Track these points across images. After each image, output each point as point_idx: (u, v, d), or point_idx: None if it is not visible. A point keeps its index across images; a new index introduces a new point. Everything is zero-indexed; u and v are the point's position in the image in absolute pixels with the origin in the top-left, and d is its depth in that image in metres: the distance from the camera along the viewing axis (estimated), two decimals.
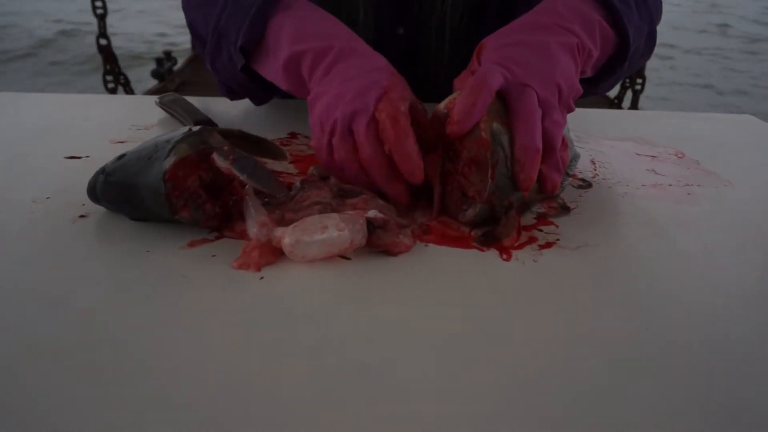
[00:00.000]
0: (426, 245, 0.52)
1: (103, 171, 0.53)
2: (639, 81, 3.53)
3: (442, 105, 0.55)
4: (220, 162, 0.52)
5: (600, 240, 0.54)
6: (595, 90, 0.70)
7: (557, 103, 0.54)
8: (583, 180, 0.67)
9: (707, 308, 0.46)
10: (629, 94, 3.56)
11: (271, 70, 0.64)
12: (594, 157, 0.74)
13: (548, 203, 0.61)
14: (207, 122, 0.76)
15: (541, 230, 0.56)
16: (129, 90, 3.94)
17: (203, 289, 0.45)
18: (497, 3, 0.89)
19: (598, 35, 0.60)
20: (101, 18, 3.57)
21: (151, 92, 4.35)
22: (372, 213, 0.52)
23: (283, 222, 0.51)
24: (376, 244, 0.50)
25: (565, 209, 0.60)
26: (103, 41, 3.66)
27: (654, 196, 0.64)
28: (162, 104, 0.82)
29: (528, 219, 0.58)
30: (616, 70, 0.66)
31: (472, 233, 0.54)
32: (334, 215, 0.50)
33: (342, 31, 0.62)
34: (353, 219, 0.49)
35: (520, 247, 0.53)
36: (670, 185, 0.67)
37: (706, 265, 0.52)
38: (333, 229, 0.48)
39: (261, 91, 0.74)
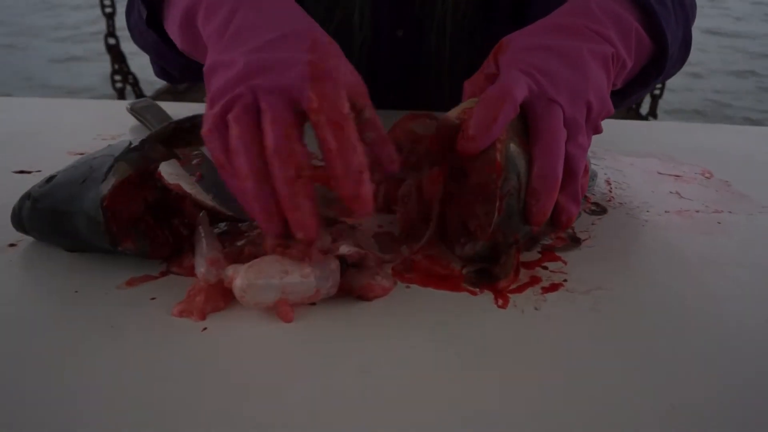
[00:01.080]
0: (407, 286, 0.44)
1: (29, 196, 0.45)
2: (658, 86, 3.41)
3: (453, 114, 0.47)
4: (168, 176, 0.44)
5: (615, 282, 0.46)
6: (621, 103, 0.61)
7: (585, 123, 0.46)
8: (596, 205, 0.58)
9: (746, 370, 0.38)
10: (647, 98, 3.44)
11: (171, 26, 0.52)
12: (610, 177, 0.66)
13: (556, 233, 0.52)
14: None
15: (546, 267, 0.47)
16: (138, 90, 3.89)
17: (132, 343, 0.37)
18: (506, 5, 0.81)
19: (634, 42, 0.51)
20: (110, 17, 3.53)
21: (160, 92, 4.30)
22: (346, 248, 0.44)
23: (242, 258, 0.44)
24: (348, 287, 0.42)
25: (574, 241, 0.51)
26: (111, 40, 3.62)
27: (678, 226, 0.56)
28: (133, 111, 0.74)
29: (532, 252, 0.50)
30: (650, 82, 0.57)
31: (464, 272, 0.46)
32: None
33: None
34: (323, 262, 0.41)
35: (520, 289, 0.45)
36: (698, 212, 0.59)
37: (741, 314, 0.43)
38: (296, 274, 0.40)
39: (179, 58, 0.58)
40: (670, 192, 0.63)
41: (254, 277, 0.40)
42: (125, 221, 0.43)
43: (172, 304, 0.40)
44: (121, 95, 3.68)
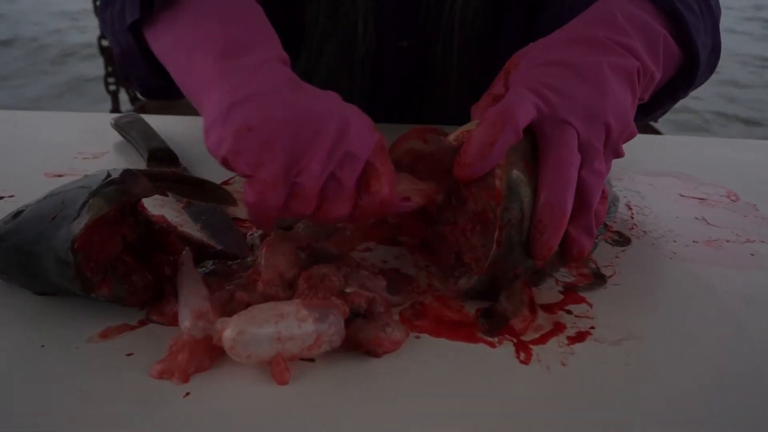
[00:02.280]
0: (418, 336, 0.39)
1: None
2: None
3: (452, 137, 0.43)
4: (151, 205, 0.39)
5: (647, 328, 0.41)
6: (645, 118, 0.56)
7: (602, 147, 0.41)
8: (619, 234, 0.54)
9: None
10: None
11: (166, 36, 0.45)
12: (630, 200, 0.61)
13: (578, 268, 0.48)
14: (164, 151, 0.63)
15: (569, 312, 0.43)
16: (132, 93, 3.83)
17: (103, 412, 0.32)
18: (516, 10, 0.76)
19: (662, 53, 0.46)
20: None
21: None
22: (350, 289, 0.40)
23: (232, 305, 0.39)
24: (355, 340, 0.37)
25: (599, 279, 0.47)
26: (105, 42, 3.56)
27: (709, 258, 0.51)
28: (118, 126, 0.70)
29: (553, 292, 0.45)
30: (679, 94, 0.52)
31: (479, 321, 0.41)
32: (295, 301, 0.37)
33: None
34: (325, 307, 0.37)
35: (544, 339, 0.40)
36: (728, 241, 0.54)
37: None
38: (292, 318, 0.36)
39: (147, 69, 0.51)
40: (696, 218, 0.58)
41: (245, 324, 0.35)
42: (100, 264, 0.38)
43: (151, 363, 0.35)
44: (114, 98, 3.63)
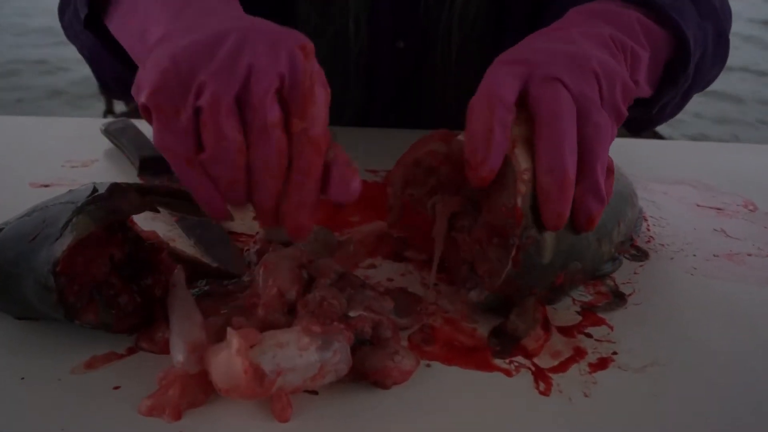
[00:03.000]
0: (428, 364, 0.37)
1: None
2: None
3: (462, 135, 0.40)
4: (142, 220, 0.37)
5: (672, 354, 0.39)
6: (656, 113, 0.53)
7: (597, 98, 0.38)
8: (636, 248, 0.51)
9: None
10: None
11: (123, 31, 0.43)
12: (645, 210, 0.58)
13: (594, 286, 0.45)
14: (156, 160, 0.60)
15: (589, 335, 0.40)
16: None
17: None
18: (518, 10, 0.73)
19: (641, 32, 0.44)
20: None
21: None
22: (355, 313, 0.37)
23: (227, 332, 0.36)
24: (361, 370, 0.34)
25: (618, 298, 0.44)
26: None
27: (731, 274, 0.48)
28: (108, 133, 0.66)
29: (570, 312, 0.42)
30: (679, 78, 0.49)
31: (489, 342, 0.39)
32: (295, 328, 0.34)
33: None
34: (329, 333, 0.34)
35: (564, 367, 0.37)
36: (749, 255, 0.52)
37: None
38: (293, 347, 0.33)
39: (118, 65, 0.48)
40: (715, 230, 0.56)
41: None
42: (84, 287, 0.36)
43: (141, 397, 0.32)
44: (108, 99, 3.59)
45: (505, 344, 0.39)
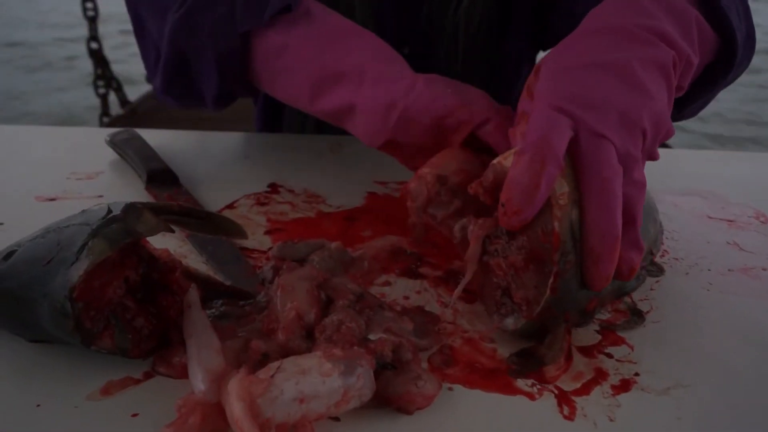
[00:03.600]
0: (450, 387, 0.36)
1: None
2: None
3: (508, 161, 0.38)
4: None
5: (694, 374, 0.38)
6: (683, 112, 0.53)
7: (640, 154, 0.38)
8: (652, 263, 0.51)
9: None
10: None
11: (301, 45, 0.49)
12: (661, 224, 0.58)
13: (612, 304, 0.45)
14: (163, 172, 0.60)
15: (610, 355, 0.40)
16: (121, 95, 3.77)
17: None
18: (523, 13, 0.73)
19: (696, 35, 0.43)
20: (92, 20, 3.41)
21: (146, 97, 4.18)
22: (375, 335, 0.36)
23: (247, 355, 0.35)
24: (383, 396, 0.34)
25: (637, 315, 0.44)
26: (93, 44, 3.50)
27: (749, 290, 0.48)
28: (113, 144, 0.66)
29: (589, 332, 0.42)
30: (718, 83, 0.48)
31: (508, 360, 0.38)
32: (316, 353, 0.33)
33: None
34: (351, 357, 0.33)
35: (586, 389, 0.37)
36: (765, 269, 0.51)
37: None
38: (315, 373, 0.32)
39: (241, 79, 0.54)
40: (728, 243, 0.55)
41: (265, 386, 0.31)
42: (100, 312, 0.35)
43: (160, 425, 0.32)
44: (104, 101, 3.57)
45: (526, 366, 0.38)
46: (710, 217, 0.60)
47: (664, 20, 0.41)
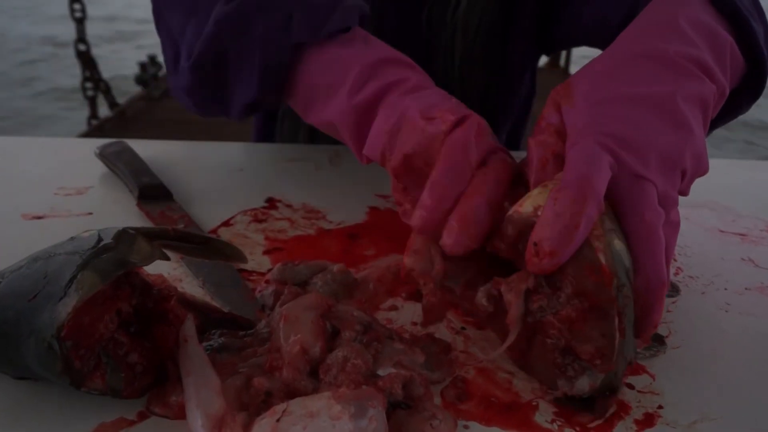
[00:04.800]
0: (466, 426, 0.34)
1: None
2: None
3: (528, 209, 0.35)
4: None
5: (720, 406, 0.36)
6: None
7: (677, 195, 0.36)
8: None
9: None
10: None
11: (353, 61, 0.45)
12: None
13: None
14: (156, 188, 0.57)
15: (631, 386, 0.38)
16: (110, 98, 3.74)
17: None
18: (525, 23, 0.71)
19: (729, 62, 0.41)
20: (80, 22, 3.38)
21: (134, 99, 4.14)
22: (385, 371, 0.34)
23: (249, 394, 0.33)
24: None
25: (658, 341, 0.42)
26: (81, 46, 3.47)
27: (767, 309, 0.46)
28: (103, 156, 0.63)
29: None
30: (742, 109, 0.47)
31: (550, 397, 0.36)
32: (325, 394, 0.31)
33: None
34: (362, 398, 0.31)
35: (610, 425, 0.35)
36: None
37: None
38: (324, 416, 0.30)
39: (275, 88, 0.50)
40: (743, 259, 0.54)
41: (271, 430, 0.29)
42: (91, 350, 0.32)
43: None
44: (92, 103, 3.53)
45: (574, 403, 0.35)
46: (722, 231, 0.59)
47: (704, 49, 0.39)
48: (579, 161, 0.34)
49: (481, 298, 0.37)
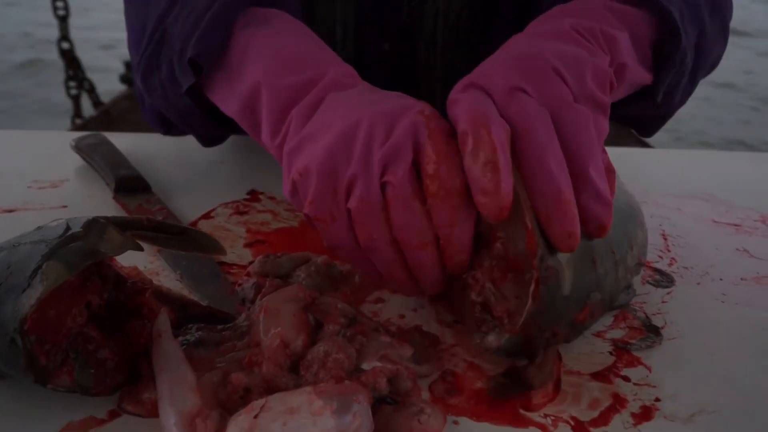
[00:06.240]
0: (456, 421, 0.32)
1: None
2: None
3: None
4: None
5: (719, 398, 0.35)
6: (663, 103, 0.48)
7: (568, 94, 0.34)
8: (660, 273, 0.47)
9: None
10: None
11: (229, 99, 0.44)
12: (662, 228, 0.55)
13: (625, 320, 0.41)
14: (133, 179, 0.55)
15: (626, 378, 0.36)
16: (94, 97, 3.68)
17: None
18: (506, 9, 0.70)
19: (612, 15, 0.41)
20: (63, 20, 3.33)
21: (119, 98, 4.09)
22: (369, 364, 0.33)
23: (227, 391, 0.31)
24: None
25: (653, 332, 0.40)
26: (65, 45, 3.41)
27: (764, 300, 0.45)
28: (78, 149, 0.61)
29: (602, 353, 0.38)
30: (674, 56, 0.45)
31: (493, 381, 0.35)
32: (306, 389, 0.29)
33: (331, 58, 0.43)
34: (344, 394, 0.29)
35: (605, 418, 0.33)
36: None
37: None
38: (305, 412, 0.28)
39: (210, 126, 0.50)
40: (737, 249, 0.52)
41: (248, 429, 0.27)
42: (58, 345, 0.31)
43: None
44: (76, 103, 3.49)
45: (510, 387, 0.35)
46: (716, 222, 0.57)
47: (564, 20, 0.39)
48: (457, 104, 0.35)
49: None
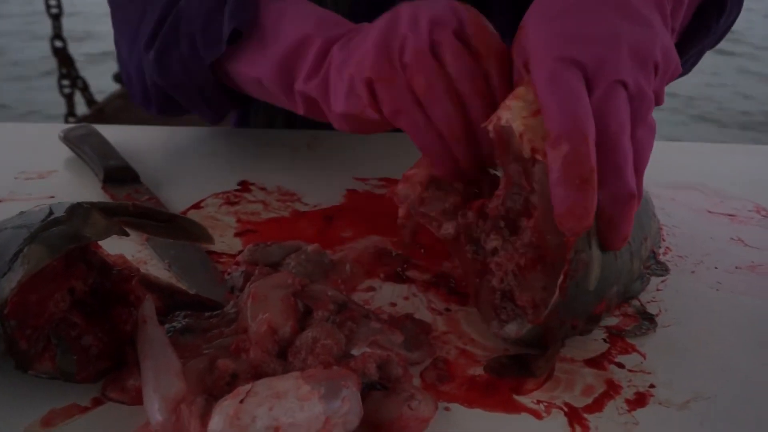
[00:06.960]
0: (447, 408, 0.32)
1: None
2: None
3: (516, 121, 0.33)
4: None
5: (714, 384, 0.35)
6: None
7: (653, 95, 0.33)
8: (656, 262, 0.47)
9: None
10: None
11: (260, 62, 0.47)
12: (658, 218, 0.54)
13: (619, 308, 0.41)
14: (122, 170, 0.55)
15: (621, 365, 0.36)
16: (88, 95, 3.67)
17: None
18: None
19: None
20: (56, 18, 3.31)
21: (113, 97, 4.07)
22: (359, 350, 0.32)
23: (214, 377, 0.30)
24: (372, 421, 0.29)
25: (648, 320, 0.40)
26: (58, 43, 3.39)
27: (759, 289, 0.45)
28: (67, 140, 0.60)
29: (596, 340, 0.38)
30: (711, 27, 0.45)
31: (494, 363, 0.35)
32: (293, 373, 0.29)
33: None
34: (332, 379, 0.29)
35: (599, 405, 0.33)
36: None
37: None
38: (291, 397, 0.28)
39: (225, 100, 0.54)
40: (732, 238, 0.52)
41: (233, 414, 0.27)
42: (39, 330, 0.30)
43: None
44: (69, 101, 3.47)
45: (508, 368, 0.35)
46: (710, 212, 0.57)
47: None
48: (546, 88, 0.32)
49: (447, 228, 0.38)
